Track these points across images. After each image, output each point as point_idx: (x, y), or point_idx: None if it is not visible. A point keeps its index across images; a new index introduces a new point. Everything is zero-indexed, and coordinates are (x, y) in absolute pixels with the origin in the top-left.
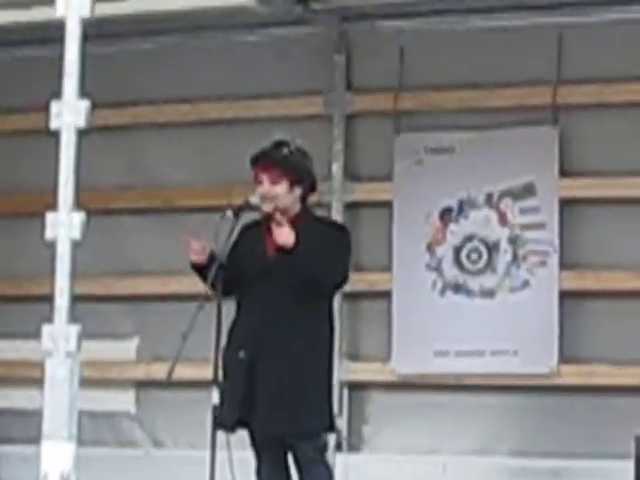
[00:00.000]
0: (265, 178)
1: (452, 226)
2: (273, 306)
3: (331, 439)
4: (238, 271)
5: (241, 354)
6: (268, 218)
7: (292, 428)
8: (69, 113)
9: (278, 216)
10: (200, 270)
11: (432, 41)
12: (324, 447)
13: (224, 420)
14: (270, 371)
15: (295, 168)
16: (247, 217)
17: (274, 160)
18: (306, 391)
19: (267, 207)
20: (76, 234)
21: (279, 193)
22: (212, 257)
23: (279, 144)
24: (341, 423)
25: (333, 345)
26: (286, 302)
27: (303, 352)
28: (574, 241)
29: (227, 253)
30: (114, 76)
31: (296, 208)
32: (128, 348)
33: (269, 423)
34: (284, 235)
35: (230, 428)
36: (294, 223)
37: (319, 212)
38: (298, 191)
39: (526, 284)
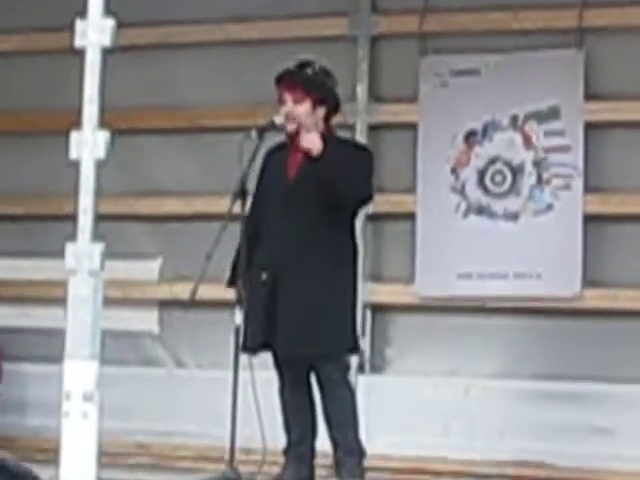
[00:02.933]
0: (288, 97)
1: (477, 148)
2: (295, 227)
3: (354, 360)
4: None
5: (263, 275)
6: (291, 139)
7: (314, 349)
8: (94, 32)
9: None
10: None
11: None
12: (346, 368)
13: (247, 342)
14: (292, 292)
15: (318, 88)
16: (271, 140)
17: (298, 80)
18: (328, 312)
19: (290, 127)
20: (100, 153)
21: (302, 112)
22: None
23: (303, 64)
24: (364, 345)
25: (356, 266)
26: (308, 223)
27: (325, 273)
28: (598, 164)
29: (256, 182)
30: None
31: (319, 128)
32: (151, 268)
33: (291, 344)
34: (312, 140)
35: (253, 350)
36: None
37: (343, 133)
38: (321, 111)
39: (550, 207)
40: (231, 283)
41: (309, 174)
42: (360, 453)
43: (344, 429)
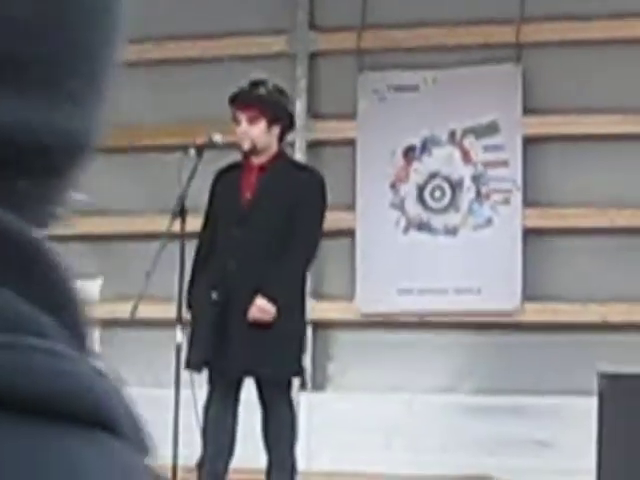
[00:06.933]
0: (243, 117)
1: (416, 164)
2: (250, 247)
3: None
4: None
5: (213, 295)
6: (245, 158)
7: (261, 371)
8: None
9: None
10: None
11: None
12: (288, 387)
13: (192, 359)
14: (242, 313)
15: (273, 107)
16: (213, 161)
17: (252, 99)
18: (277, 335)
19: (245, 145)
20: None
21: (257, 132)
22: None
23: (256, 83)
24: (306, 362)
25: (305, 290)
26: (263, 244)
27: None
28: (537, 179)
29: (208, 202)
30: None
31: (274, 147)
32: (91, 288)
33: (234, 364)
34: (263, 310)
35: (197, 367)
36: (269, 164)
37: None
38: (276, 130)
39: (489, 222)
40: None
41: (265, 195)
42: (292, 470)
43: (281, 446)
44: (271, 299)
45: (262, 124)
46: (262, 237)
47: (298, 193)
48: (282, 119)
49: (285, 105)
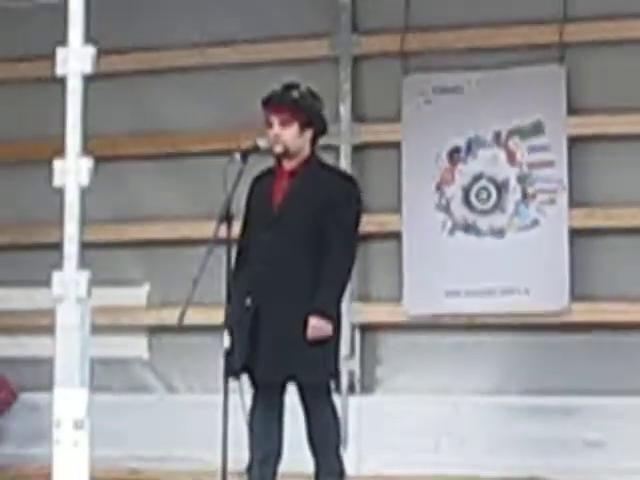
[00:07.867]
0: (275, 120)
1: (461, 166)
2: (281, 253)
3: (344, 380)
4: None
5: (247, 301)
6: (278, 162)
7: (298, 376)
8: (75, 59)
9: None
10: None
11: None
12: (329, 390)
13: (230, 365)
14: (274, 318)
15: (306, 110)
16: (257, 163)
17: (284, 102)
18: (312, 340)
19: (277, 148)
20: (84, 180)
21: (289, 135)
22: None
23: (289, 86)
24: (354, 365)
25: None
26: (294, 248)
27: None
28: (583, 179)
29: (244, 208)
30: (120, 22)
31: (306, 151)
32: (139, 294)
33: (270, 370)
34: (320, 329)
35: (235, 374)
36: (301, 169)
37: (327, 155)
38: (309, 134)
39: (536, 223)
40: None
41: (295, 199)
42: (340, 474)
43: (327, 451)
44: (325, 316)
45: (294, 127)
46: (291, 241)
47: (330, 198)
48: (315, 123)
49: (318, 109)
